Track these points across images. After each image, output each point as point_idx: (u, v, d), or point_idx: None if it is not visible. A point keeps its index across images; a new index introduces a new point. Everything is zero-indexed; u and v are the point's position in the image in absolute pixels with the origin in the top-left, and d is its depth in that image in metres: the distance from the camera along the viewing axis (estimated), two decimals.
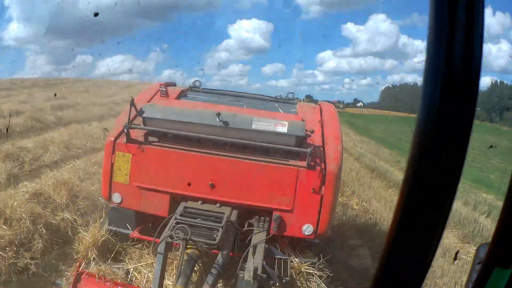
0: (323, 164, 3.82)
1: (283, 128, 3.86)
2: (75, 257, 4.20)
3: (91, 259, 3.92)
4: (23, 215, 5.91)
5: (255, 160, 3.92)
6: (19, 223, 5.80)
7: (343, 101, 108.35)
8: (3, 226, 5.65)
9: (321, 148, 4.00)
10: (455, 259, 6.60)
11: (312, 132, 3.95)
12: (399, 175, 14.96)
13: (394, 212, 0.92)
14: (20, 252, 5.52)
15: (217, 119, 3.91)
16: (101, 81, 41.93)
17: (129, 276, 3.92)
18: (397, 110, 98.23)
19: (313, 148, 3.77)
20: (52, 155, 10.14)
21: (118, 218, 4.27)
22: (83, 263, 3.87)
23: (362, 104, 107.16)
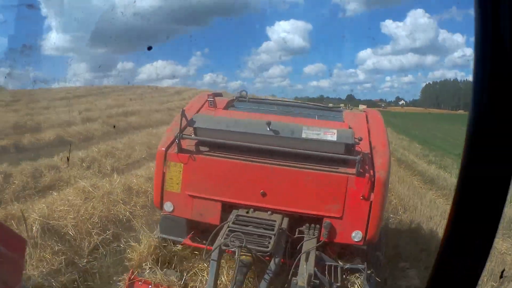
0: (371, 171, 3.85)
1: (332, 136, 3.90)
2: (128, 263, 4.35)
3: (144, 267, 4.08)
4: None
5: (306, 168, 3.96)
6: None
7: (385, 99, 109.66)
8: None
9: (369, 155, 4.03)
10: (501, 276, 6.15)
11: (361, 139, 3.98)
12: (424, 166, 16.05)
13: (449, 214, 0.93)
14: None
15: (267, 128, 3.99)
16: (150, 88, 43.79)
17: (182, 281, 4.04)
18: (438, 107, 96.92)
19: (362, 156, 3.82)
20: (139, 153, 12.12)
21: (170, 226, 4.38)
22: (136, 272, 3.98)
23: (404, 102, 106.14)
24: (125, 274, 4.03)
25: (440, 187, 12.61)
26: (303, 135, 3.92)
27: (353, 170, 3.79)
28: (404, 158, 17.90)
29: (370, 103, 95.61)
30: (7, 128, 14.92)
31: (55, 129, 15.43)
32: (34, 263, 5.09)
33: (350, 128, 4.29)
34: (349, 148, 3.94)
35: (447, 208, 10.33)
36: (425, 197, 10.99)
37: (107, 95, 34.05)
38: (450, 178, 13.93)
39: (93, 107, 23.95)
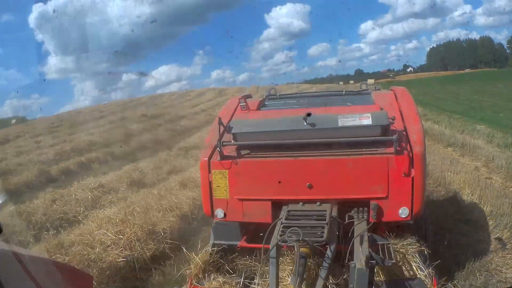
0: (409, 147, 3.91)
1: (368, 121, 3.98)
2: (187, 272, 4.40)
3: (203, 275, 4.15)
4: None
5: (346, 155, 4.03)
6: None
7: (393, 69, 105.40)
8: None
9: (404, 133, 4.09)
10: None
11: (394, 119, 4.05)
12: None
13: None
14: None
15: (305, 123, 4.08)
16: (172, 95, 45.91)
17: (241, 284, 4.08)
18: (445, 69, 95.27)
19: (398, 134, 3.86)
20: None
21: (223, 231, 4.54)
22: (195, 280, 4.09)
23: (412, 69, 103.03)
24: (184, 285, 4.19)
25: (430, 135, 14.48)
26: (340, 124, 4.02)
27: (391, 150, 3.88)
28: None
29: (379, 75, 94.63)
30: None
31: (136, 139, 18.03)
32: None
33: (382, 109, 4.39)
34: (385, 129, 4.01)
35: (435, 147, 12.38)
36: (429, 146, 12.43)
37: (137, 108, 35.93)
38: (439, 128, 16.12)
39: (138, 119, 25.92)
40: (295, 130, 4.15)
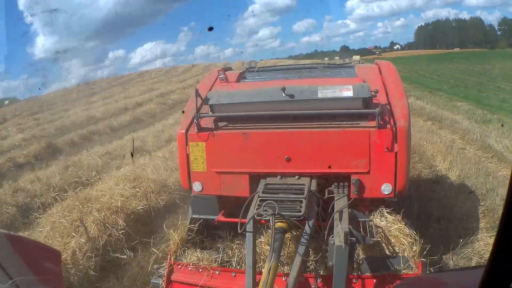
0: (392, 122, 3.81)
1: (348, 92, 3.87)
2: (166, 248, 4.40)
3: (181, 252, 4.13)
4: None
5: (326, 128, 3.94)
6: None
7: (380, 46, 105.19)
8: None
9: (388, 107, 3.99)
10: None
11: (377, 92, 3.97)
12: None
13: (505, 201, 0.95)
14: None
15: (283, 94, 3.99)
16: (159, 71, 46.20)
17: (220, 257, 4.10)
18: (433, 47, 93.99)
19: (381, 108, 3.75)
20: None
21: (201, 205, 4.50)
22: (174, 256, 4.07)
23: (399, 46, 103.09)
24: (164, 262, 4.15)
25: (411, 110, 15.17)
26: (319, 95, 3.93)
27: (374, 123, 3.77)
28: None
29: (365, 52, 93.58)
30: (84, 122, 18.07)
31: (130, 113, 18.89)
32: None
33: (364, 82, 4.23)
34: (367, 102, 3.94)
35: (415, 120, 12.94)
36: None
37: (128, 84, 36.30)
38: (421, 103, 16.94)
39: (131, 94, 26.87)
40: (273, 101, 4.08)
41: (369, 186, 3.88)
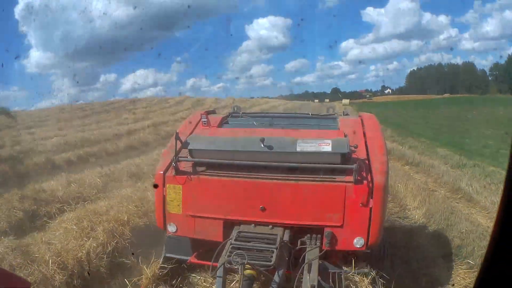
0: (369, 177, 3.83)
1: (327, 147, 3.90)
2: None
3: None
4: None
5: (303, 180, 3.97)
6: None
7: (371, 89, 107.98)
8: None
9: (366, 161, 4.02)
10: None
11: (356, 147, 4.05)
12: (387, 143, 19.94)
13: (497, 214, 0.98)
14: None
15: (262, 145, 4.02)
16: (152, 100, 47.27)
17: None
18: (423, 93, 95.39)
19: (359, 163, 3.80)
20: None
21: (175, 245, 4.54)
22: None
23: (390, 90, 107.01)
24: None
25: (392, 155, 16.17)
26: (298, 149, 3.98)
27: (351, 178, 3.81)
28: None
29: (356, 95, 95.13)
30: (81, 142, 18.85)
31: (125, 139, 19.81)
32: None
33: (345, 135, 4.33)
34: (345, 157, 3.95)
35: (394, 164, 13.90)
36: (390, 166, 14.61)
37: (121, 110, 37.58)
38: (402, 148, 18.14)
39: (124, 121, 27.93)
40: (251, 151, 4.12)
41: (342, 239, 3.93)
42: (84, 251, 5.87)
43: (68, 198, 9.39)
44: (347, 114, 5.77)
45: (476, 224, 8.10)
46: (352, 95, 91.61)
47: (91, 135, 20.69)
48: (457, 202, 10.02)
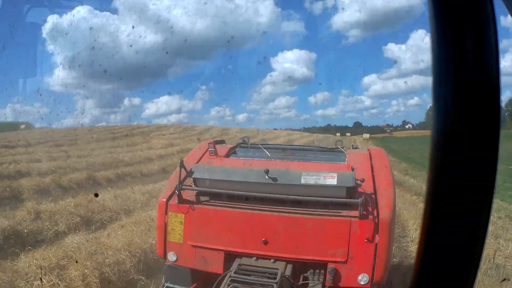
0: (375, 212, 3.76)
1: (332, 180, 3.83)
2: None
3: None
4: None
5: (307, 214, 3.90)
6: None
7: (392, 124, 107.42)
8: None
9: (373, 196, 3.95)
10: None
11: (363, 180, 3.94)
12: (400, 176, 21.58)
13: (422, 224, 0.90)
14: None
15: (266, 176, 3.96)
16: (178, 127, 48.33)
17: None
18: None
19: (364, 198, 3.73)
20: None
21: (174, 275, 4.39)
22: None
23: (410, 125, 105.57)
24: None
25: (404, 186, 18.02)
26: (303, 181, 3.91)
27: (356, 213, 3.73)
28: None
29: (377, 129, 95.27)
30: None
31: (157, 162, 20.69)
32: None
33: (352, 169, 4.22)
34: (351, 191, 3.88)
35: (403, 194, 15.25)
36: (399, 196, 15.43)
37: (148, 135, 38.74)
38: (413, 181, 19.53)
39: (153, 146, 28.95)
40: (256, 182, 4.05)
41: (346, 276, 3.81)
42: (148, 244, 6.87)
43: (117, 208, 10.36)
44: (356, 148, 5.79)
45: None
46: (374, 130, 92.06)
47: (124, 157, 22.00)
48: None
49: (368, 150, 5.03)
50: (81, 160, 19.27)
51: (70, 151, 23.32)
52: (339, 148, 5.40)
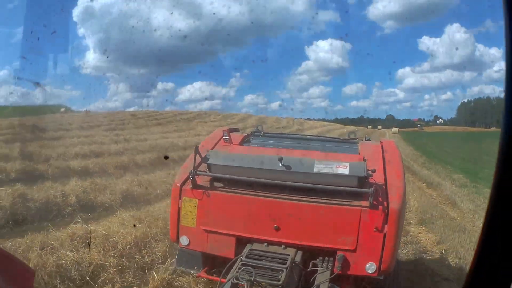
0: (385, 203, 3.79)
1: (344, 170, 3.87)
2: None
3: None
4: None
5: (318, 202, 3.94)
6: None
7: (423, 118, 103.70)
8: None
9: (383, 187, 3.97)
10: None
11: (374, 171, 3.93)
12: (418, 168, 23.38)
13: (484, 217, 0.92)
14: None
15: (280, 164, 3.99)
16: (217, 115, 49.75)
17: None
18: (473, 125, 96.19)
19: (375, 188, 3.76)
20: None
21: (186, 259, 4.50)
22: None
23: (442, 121, 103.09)
24: None
25: (417, 176, 20.04)
26: (315, 169, 3.94)
27: (367, 203, 3.78)
28: (407, 165, 23.87)
29: (409, 123, 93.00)
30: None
31: None
32: None
33: (364, 160, 4.15)
34: (362, 180, 3.92)
35: (413, 182, 17.54)
36: (410, 182, 17.16)
37: (191, 122, 41.13)
38: (427, 172, 21.79)
39: (199, 132, 31.19)
40: (269, 169, 4.09)
41: (354, 263, 3.86)
42: None
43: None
44: (368, 139, 5.84)
45: (446, 213, 11.94)
46: (406, 123, 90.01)
47: (178, 142, 24.11)
48: (443, 204, 13.50)
49: (381, 142, 5.12)
50: (142, 144, 21.42)
51: (125, 135, 25.45)
52: (352, 139, 5.49)
